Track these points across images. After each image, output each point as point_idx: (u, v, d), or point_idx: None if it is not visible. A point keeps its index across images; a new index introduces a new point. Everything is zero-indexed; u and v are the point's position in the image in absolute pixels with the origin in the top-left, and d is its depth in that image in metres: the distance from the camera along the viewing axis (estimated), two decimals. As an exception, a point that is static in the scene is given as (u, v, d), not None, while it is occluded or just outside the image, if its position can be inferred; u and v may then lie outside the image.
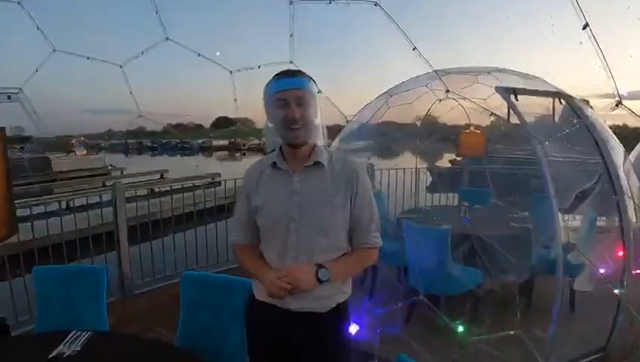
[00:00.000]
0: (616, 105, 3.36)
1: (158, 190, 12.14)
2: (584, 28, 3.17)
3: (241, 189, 1.98)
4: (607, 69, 3.22)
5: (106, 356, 1.95)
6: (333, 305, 1.80)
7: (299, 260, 1.74)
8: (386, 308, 3.73)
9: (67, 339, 1.96)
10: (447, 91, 4.85)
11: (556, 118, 4.04)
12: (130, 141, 65.58)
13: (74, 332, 2.04)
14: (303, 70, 1.86)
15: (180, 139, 64.01)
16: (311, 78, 1.78)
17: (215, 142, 65.26)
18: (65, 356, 1.84)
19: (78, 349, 1.90)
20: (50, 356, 1.83)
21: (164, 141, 66.29)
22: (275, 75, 1.77)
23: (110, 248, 5.20)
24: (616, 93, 3.31)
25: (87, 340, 1.98)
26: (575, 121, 3.68)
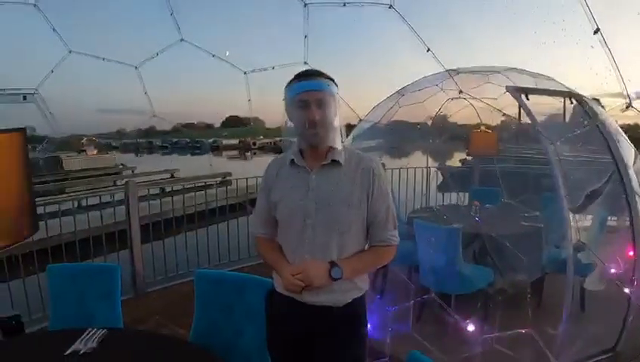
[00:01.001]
0: (627, 108, 3.36)
1: (170, 189, 12.16)
2: (595, 33, 3.17)
3: (261, 183, 2.01)
4: (618, 72, 3.22)
5: (121, 353, 1.96)
6: (349, 300, 1.82)
7: (314, 256, 1.76)
8: (396, 307, 3.74)
9: (83, 337, 1.97)
10: (461, 92, 4.85)
11: (567, 118, 4.03)
12: (141, 140, 65.77)
13: (89, 329, 2.05)
14: (317, 71, 1.87)
15: (190, 138, 64.22)
16: (332, 79, 1.79)
17: (225, 142, 65.42)
18: (81, 353, 1.85)
19: (94, 346, 1.90)
20: (66, 353, 1.84)
21: (174, 140, 66.44)
22: (296, 76, 1.78)
23: (123, 247, 5.25)
24: (626, 94, 3.31)
25: (103, 337, 1.99)
26: (586, 121, 3.68)
